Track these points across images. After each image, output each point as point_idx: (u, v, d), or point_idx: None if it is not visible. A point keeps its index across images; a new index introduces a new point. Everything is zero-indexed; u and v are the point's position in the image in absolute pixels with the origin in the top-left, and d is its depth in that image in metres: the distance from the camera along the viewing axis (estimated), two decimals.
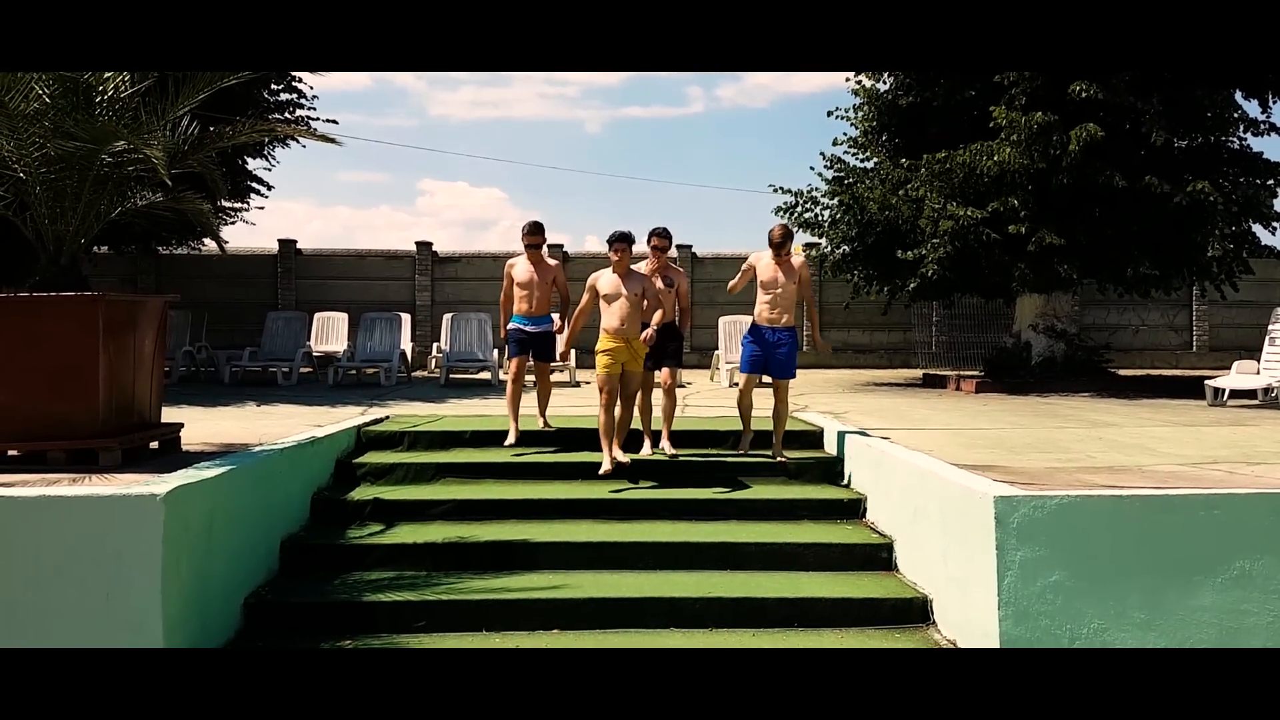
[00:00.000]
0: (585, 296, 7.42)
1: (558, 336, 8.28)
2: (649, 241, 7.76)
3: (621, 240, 7.22)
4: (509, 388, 7.86)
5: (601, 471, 7.09)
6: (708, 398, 11.92)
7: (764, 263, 7.66)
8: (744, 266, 7.82)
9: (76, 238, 6.34)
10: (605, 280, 7.30)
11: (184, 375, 14.81)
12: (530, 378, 8.32)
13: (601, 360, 7.20)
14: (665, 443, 7.62)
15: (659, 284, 7.60)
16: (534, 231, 7.98)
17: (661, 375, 7.69)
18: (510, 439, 7.70)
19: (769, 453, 7.63)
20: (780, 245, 7.56)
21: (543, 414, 8.16)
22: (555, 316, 8.34)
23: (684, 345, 8.08)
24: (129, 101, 6.25)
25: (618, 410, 7.28)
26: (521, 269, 8.07)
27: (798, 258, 7.70)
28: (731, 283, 8.02)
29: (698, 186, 64.85)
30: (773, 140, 60.98)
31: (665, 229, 7.72)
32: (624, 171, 69.82)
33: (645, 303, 7.32)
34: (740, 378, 7.74)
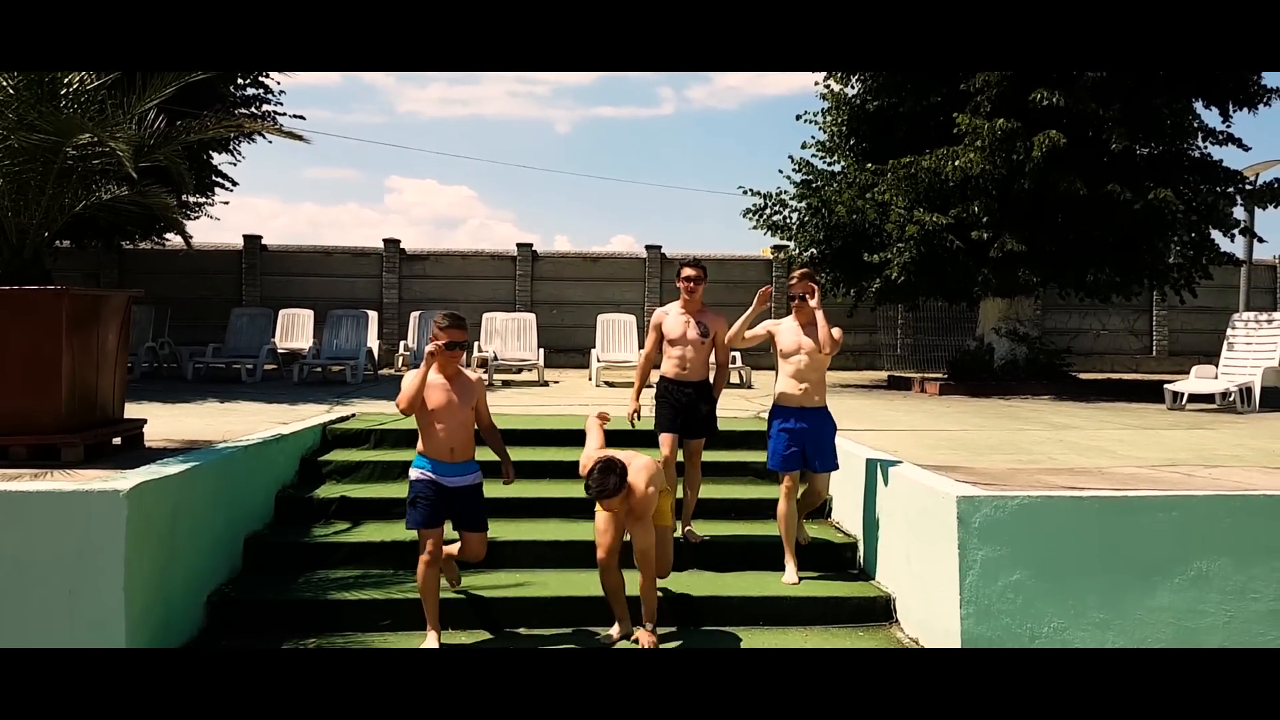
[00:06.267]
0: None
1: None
2: (679, 275, 6.41)
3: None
4: (422, 572, 5.14)
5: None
6: None
7: (786, 328, 6.24)
8: (763, 328, 6.29)
9: (40, 231, 6.27)
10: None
11: (146, 371, 14.64)
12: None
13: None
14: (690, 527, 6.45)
15: (692, 332, 6.37)
16: (454, 326, 5.22)
17: (692, 445, 6.47)
18: (430, 642, 5.17)
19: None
20: (801, 297, 6.17)
21: (454, 579, 5.77)
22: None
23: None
24: (94, 94, 6.20)
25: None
26: (435, 390, 5.19)
27: (824, 322, 6.17)
28: (746, 332, 6.23)
29: (669, 187, 65.08)
30: (745, 141, 61.29)
31: (698, 260, 6.29)
32: (595, 171, 69.92)
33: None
34: (782, 483, 6.11)
